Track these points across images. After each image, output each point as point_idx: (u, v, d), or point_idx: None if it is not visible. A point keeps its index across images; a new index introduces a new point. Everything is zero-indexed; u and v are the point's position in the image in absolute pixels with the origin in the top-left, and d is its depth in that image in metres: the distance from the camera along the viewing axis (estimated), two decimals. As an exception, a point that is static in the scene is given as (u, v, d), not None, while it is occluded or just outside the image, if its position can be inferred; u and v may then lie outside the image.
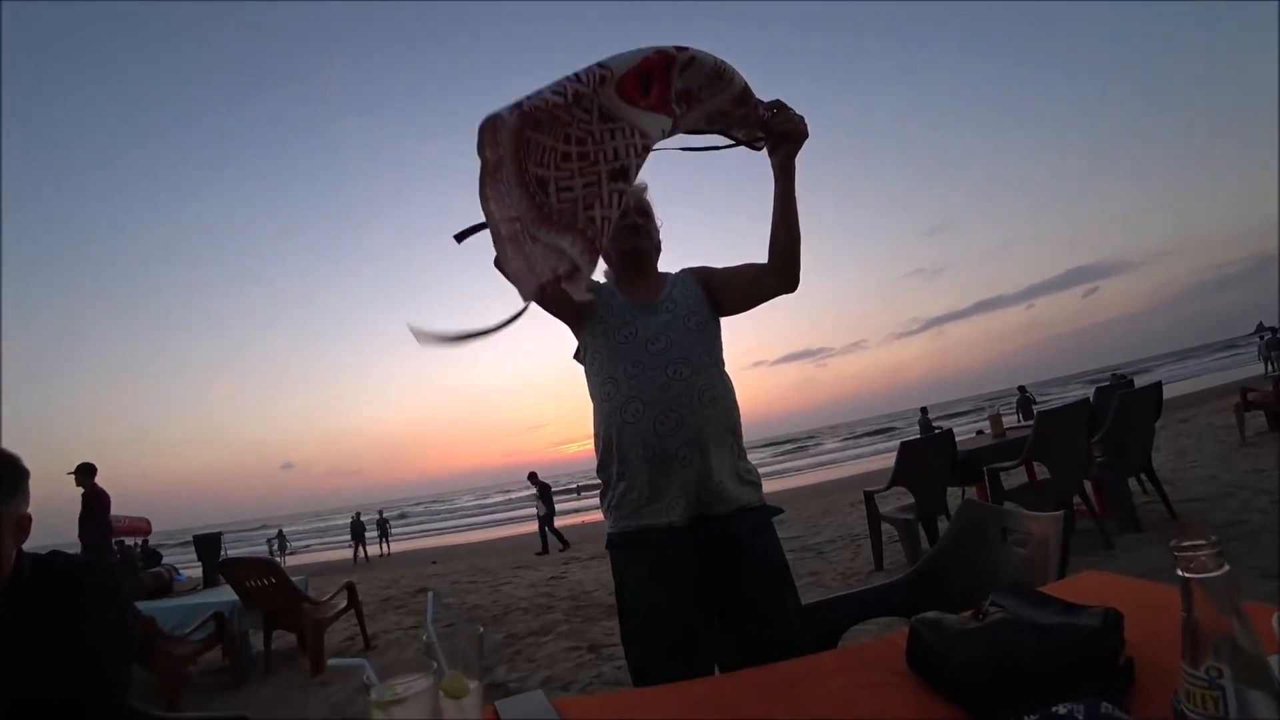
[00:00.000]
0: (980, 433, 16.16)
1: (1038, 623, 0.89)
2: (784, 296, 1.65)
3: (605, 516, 1.60)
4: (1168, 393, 6.02)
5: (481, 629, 1.03)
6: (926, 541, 4.56)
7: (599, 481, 1.63)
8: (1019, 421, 18.70)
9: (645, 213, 1.71)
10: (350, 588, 4.74)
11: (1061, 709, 0.70)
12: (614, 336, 1.58)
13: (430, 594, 1.10)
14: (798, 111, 1.49)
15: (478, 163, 1.17)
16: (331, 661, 0.92)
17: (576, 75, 1.21)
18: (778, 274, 1.59)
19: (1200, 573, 0.47)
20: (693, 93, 1.32)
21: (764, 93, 1.49)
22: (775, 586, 1.53)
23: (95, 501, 6.53)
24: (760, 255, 1.62)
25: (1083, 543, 4.00)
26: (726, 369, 1.65)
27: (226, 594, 4.54)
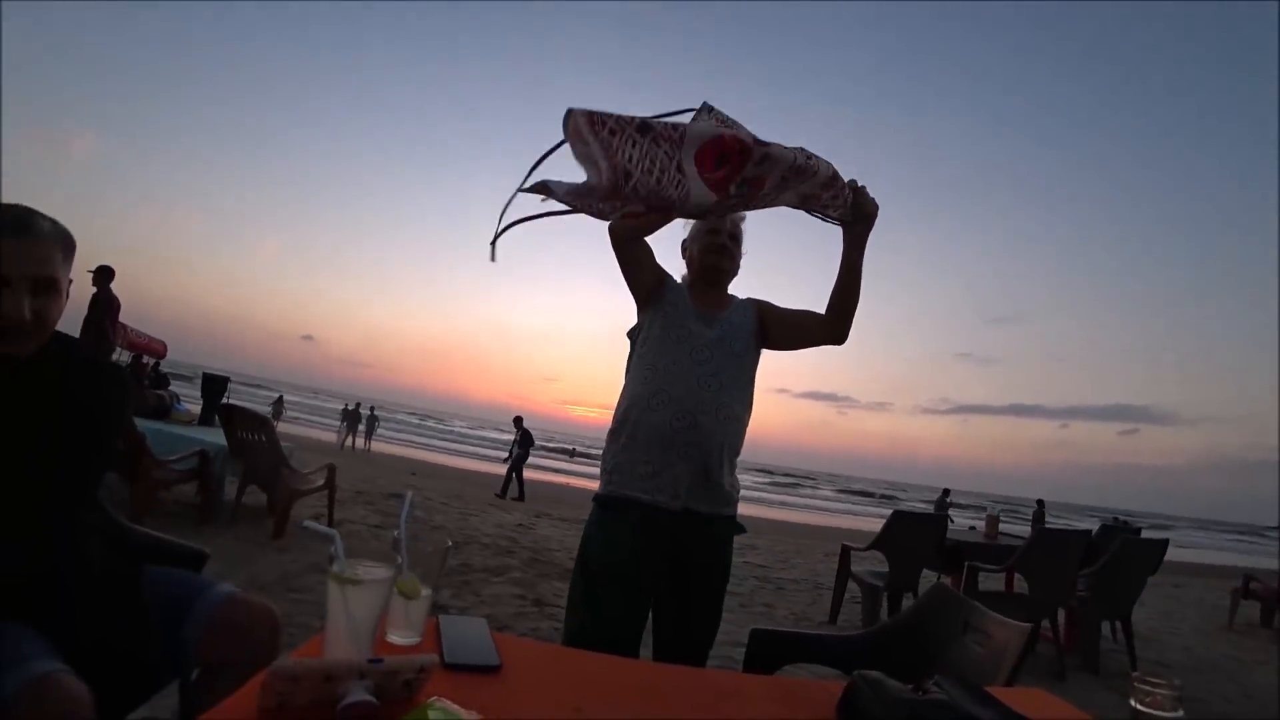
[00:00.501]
0: (972, 529, 15.94)
1: (974, 715, 0.89)
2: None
3: (600, 476, 1.73)
4: (1174, 554, 5.87)
5: (450, 543, 1.06)
6: (887, 613, 4.54)
7: (598, 450, 1.80)
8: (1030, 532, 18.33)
9: (735, 237, 1.84)
10: (331, 469, 4.86)
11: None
12: (670, 331, 1.72)
13: (408, 495, 1.14)
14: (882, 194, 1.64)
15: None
16: (307, 522, 0.96)
17: (653, 123, 1.27)
18: (830, 328, 1.75)
19: (1156, 710, 0.47)
20: (764, 179, 1.39)
21: (883, 160, 1.54)
22: (719, 594, 1.74)
23: (106, 306, 6.67)
24: (813, 304, 1.78)
25: (1036, 667, 3.95)
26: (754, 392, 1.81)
27: (217, 437, 4.68)
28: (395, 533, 0.98)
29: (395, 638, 0.93)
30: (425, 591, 0.95)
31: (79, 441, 1.27)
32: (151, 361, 19.94)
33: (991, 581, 4.60)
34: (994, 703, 0.96)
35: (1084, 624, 4.04)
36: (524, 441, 13.28)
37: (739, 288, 1.93)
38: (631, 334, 1.85)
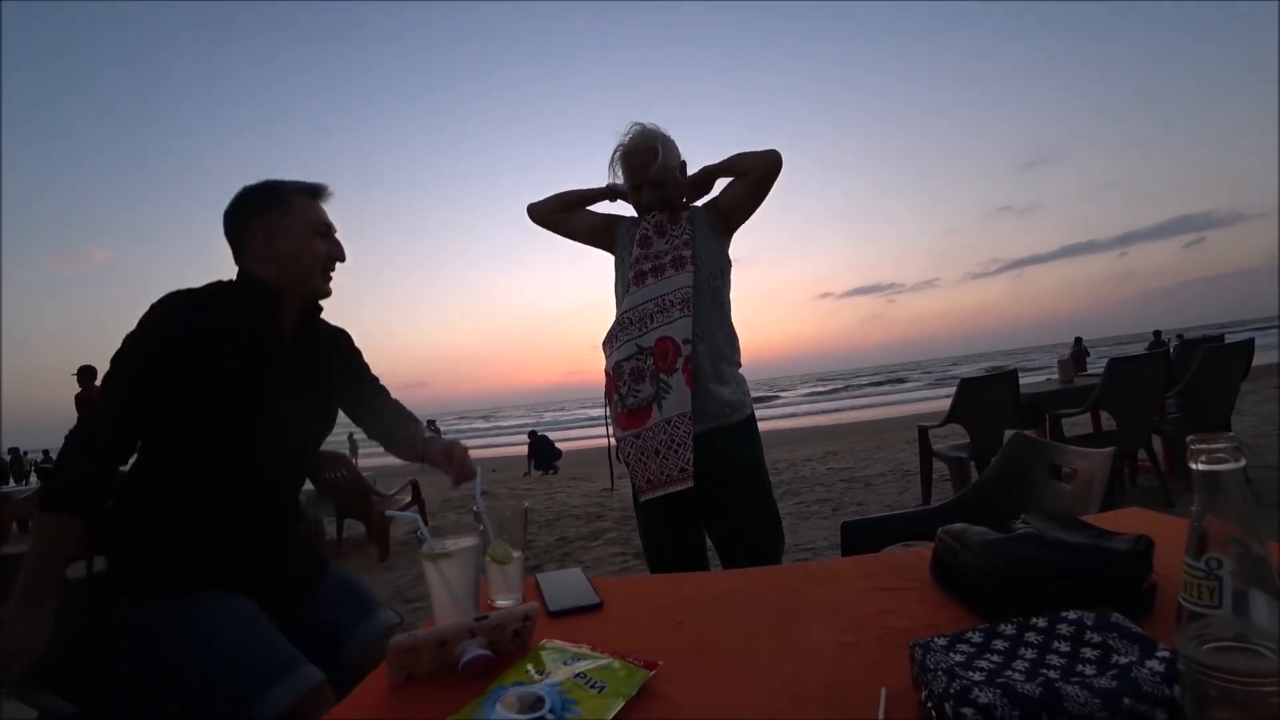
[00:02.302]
0: (1049, 380, 15.53)
1: (1064, 540, 0.90)
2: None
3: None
4: (1268, 357, 5.57)
5: (527, 504, 1.12)
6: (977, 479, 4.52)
7: None
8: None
9: (659, 184, 1.90)
10: (414, 484, 5.05)
11: (1071, 614, 0.72)
12: (619, 271, 1.98)
13: (478, 469, 1.19)
14: None
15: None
16: (389, 513, 1.02)
17: None
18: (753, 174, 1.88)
19: (1213, 465, 0.47)
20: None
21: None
22: (760, 501, 1.89)
23: (88, 402, 6.80)
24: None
25: (1143, 498, 3.88)
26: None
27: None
28: (474, 507, 1.03)
29: (499, 600, 0.99)
30: (516, 554, 1.00)
31: (329, 413, 1.47)
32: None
33: (1079, 427, 4.51)
34: (1086, 527, 0.96)
35: (1181, 446, 3.94)
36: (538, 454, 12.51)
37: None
38: None
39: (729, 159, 1.90)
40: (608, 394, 1.90)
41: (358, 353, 1.57)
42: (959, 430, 4.33)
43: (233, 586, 1.21)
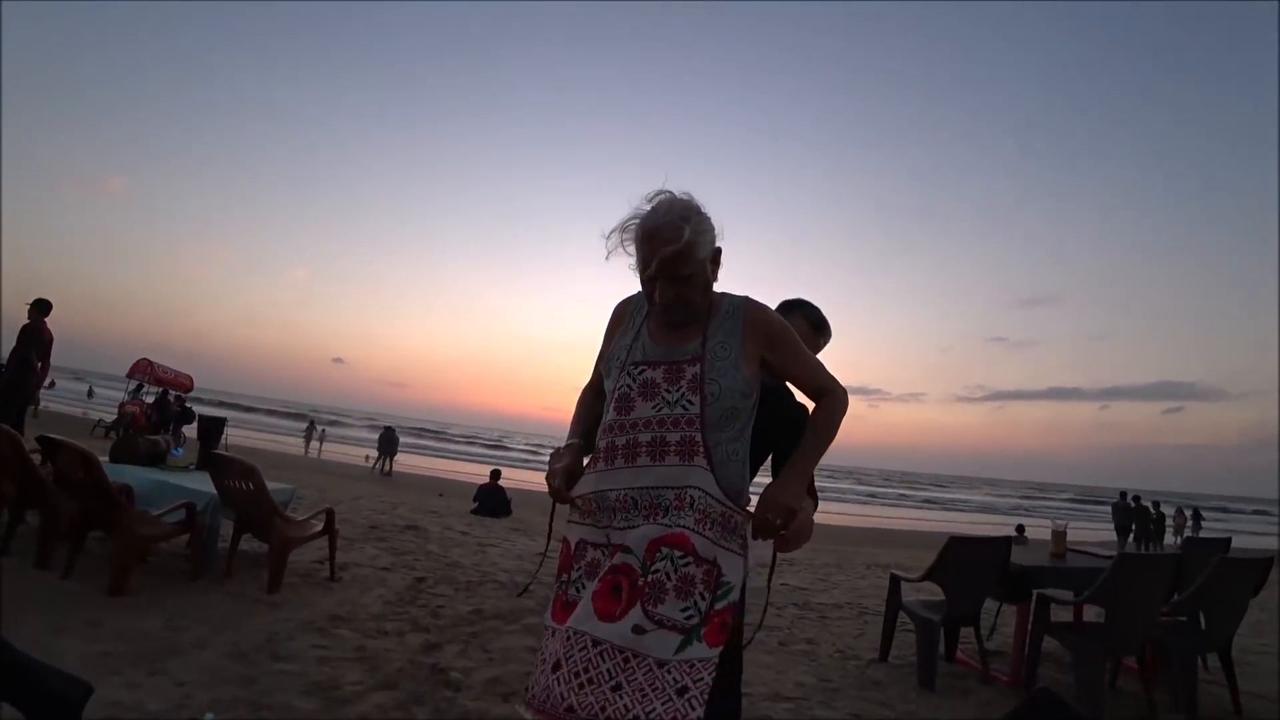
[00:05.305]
0: (1019, 529, 15.09)
1: None
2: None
3: None
4: (1241, 541, 5.22)
5: None
6: (945, 649, 4.06)
7: None
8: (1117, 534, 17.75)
9: (681, 279, 1.54)
10: (329, 514, 4.53)
11: None
12: None
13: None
14: None
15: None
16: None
17: None
18: None
19: None
20: None
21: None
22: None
23: (34, 337, 6.56)
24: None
25: (1121, 709, 3.45)
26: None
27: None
28: None
29: None
30: None
31: None
32: (176, 396, 20.19)
33: (1060, 609, 4.10)
34: None
35: (1178, 659, 3.53)
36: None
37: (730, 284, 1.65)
38: None
39: (821, 439, 1.59)
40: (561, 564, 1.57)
41: None
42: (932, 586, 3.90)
43: None
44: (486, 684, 3.11)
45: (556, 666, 1.37)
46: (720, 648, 1.37)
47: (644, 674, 1.32)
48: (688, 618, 1.35)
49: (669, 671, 1.32)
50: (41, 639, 2.90)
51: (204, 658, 2.98)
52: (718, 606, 1.39)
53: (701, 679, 1.32)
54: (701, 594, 1.38)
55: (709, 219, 1.51)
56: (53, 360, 6.89)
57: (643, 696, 1.30)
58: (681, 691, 1.31)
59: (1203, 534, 22.12)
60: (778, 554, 1.52)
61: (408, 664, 3.23)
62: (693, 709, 1.29)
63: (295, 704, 2.65)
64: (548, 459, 1.60)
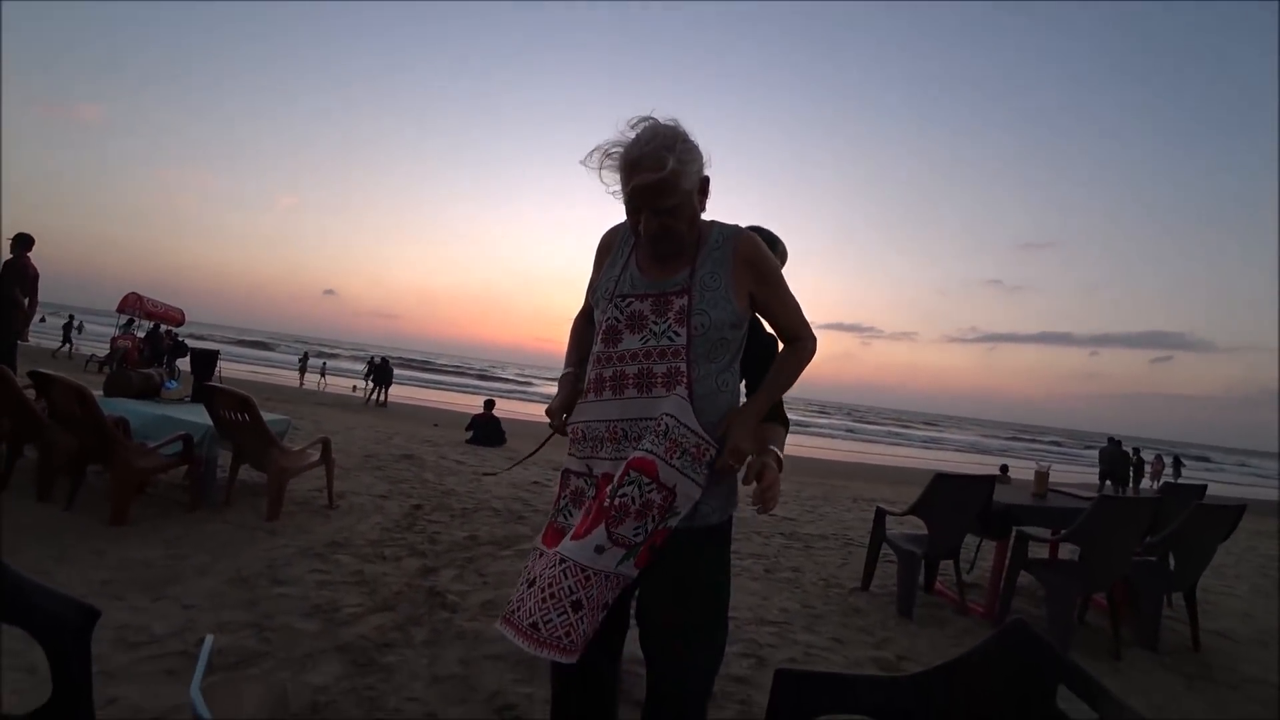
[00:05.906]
0: (1003, 468, 15.44)
1: None
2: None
3: None
4: (1215, 491, 5.38)
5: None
6: (925, 581, 4.21)
7: None
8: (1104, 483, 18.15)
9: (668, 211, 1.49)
10: (325, 443, 4.58)
11: None
12: None
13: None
14: None
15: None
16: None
17: None
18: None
19: None
20: None
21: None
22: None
23: (18, 272, 6.54)
24: None
25: (1090, 642, 3.61)
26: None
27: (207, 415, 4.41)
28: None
29: None
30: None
31: None
32: (168, 330, 20.05)
33: (1037, 546, 4.23)
34: None
35: (1145, 597, 3.67)
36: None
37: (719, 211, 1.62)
38: None
39: (781, 385, 1.58)
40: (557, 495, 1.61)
41: None
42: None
43: None
44: (481, 606, 3.22)
45: (531, 584, 1.43)
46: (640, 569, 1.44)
47: (598, 589, 1.40)
48: (636, 537, 1.41)
49: (611, 586, 1.42)
50: (46, 567, 2.97)
51: (206, 584, 3.07)
52: (658, 528, 1.42)
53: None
54: (654, 517, 1.41)
55: (696, 148, 1.44)
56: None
57: (592, 614, 1.39)
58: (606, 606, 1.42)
59: (1182, 481, 22.60)
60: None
61: (405, 587, 3.34)
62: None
63: (297, 625, 2.75)
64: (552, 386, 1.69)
